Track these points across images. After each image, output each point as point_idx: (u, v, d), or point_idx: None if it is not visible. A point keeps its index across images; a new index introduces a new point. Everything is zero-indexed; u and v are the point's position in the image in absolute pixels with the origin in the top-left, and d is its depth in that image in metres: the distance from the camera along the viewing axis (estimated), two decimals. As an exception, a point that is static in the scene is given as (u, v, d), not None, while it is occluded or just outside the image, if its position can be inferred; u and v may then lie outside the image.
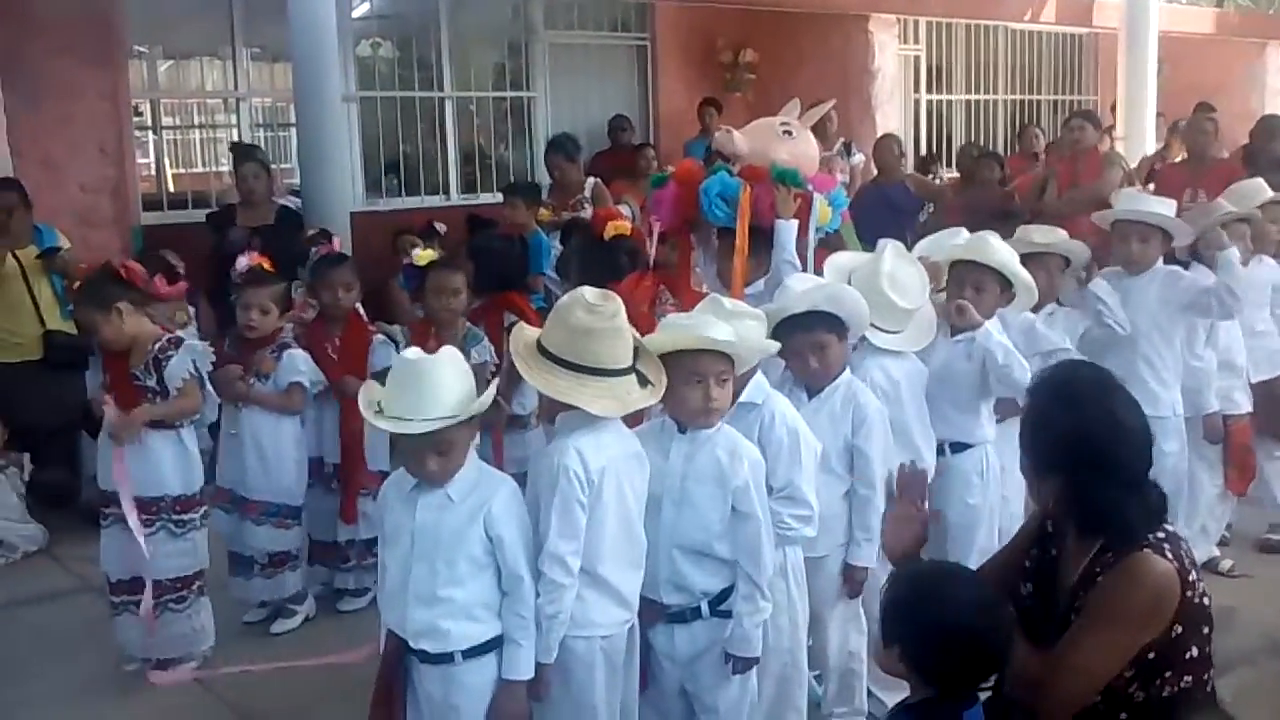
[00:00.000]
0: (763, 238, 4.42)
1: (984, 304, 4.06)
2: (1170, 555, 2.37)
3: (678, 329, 3.14)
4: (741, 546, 3.06)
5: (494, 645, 2.87)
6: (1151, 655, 2.37)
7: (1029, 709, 2.40)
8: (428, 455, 2.82)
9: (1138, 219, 4.70)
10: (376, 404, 2.83)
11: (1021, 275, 4.09)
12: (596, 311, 2.93)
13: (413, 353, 2.90)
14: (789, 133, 4.64)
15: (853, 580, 3.67)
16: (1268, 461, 5.42)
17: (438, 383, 2.78)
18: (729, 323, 3.10)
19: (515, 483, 2.97)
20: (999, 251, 4.09)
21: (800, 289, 3.67)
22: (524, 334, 3.05)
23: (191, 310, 6.34)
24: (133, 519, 4.23)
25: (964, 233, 4.50)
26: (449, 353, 2.92)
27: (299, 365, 4.70)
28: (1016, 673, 2.34)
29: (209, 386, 4.43)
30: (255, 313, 4.68)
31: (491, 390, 2.91)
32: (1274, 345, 5.39)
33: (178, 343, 4.34)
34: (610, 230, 4.51)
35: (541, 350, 2.97)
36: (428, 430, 2.76)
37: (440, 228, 7.96)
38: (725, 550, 3.08)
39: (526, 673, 2.86)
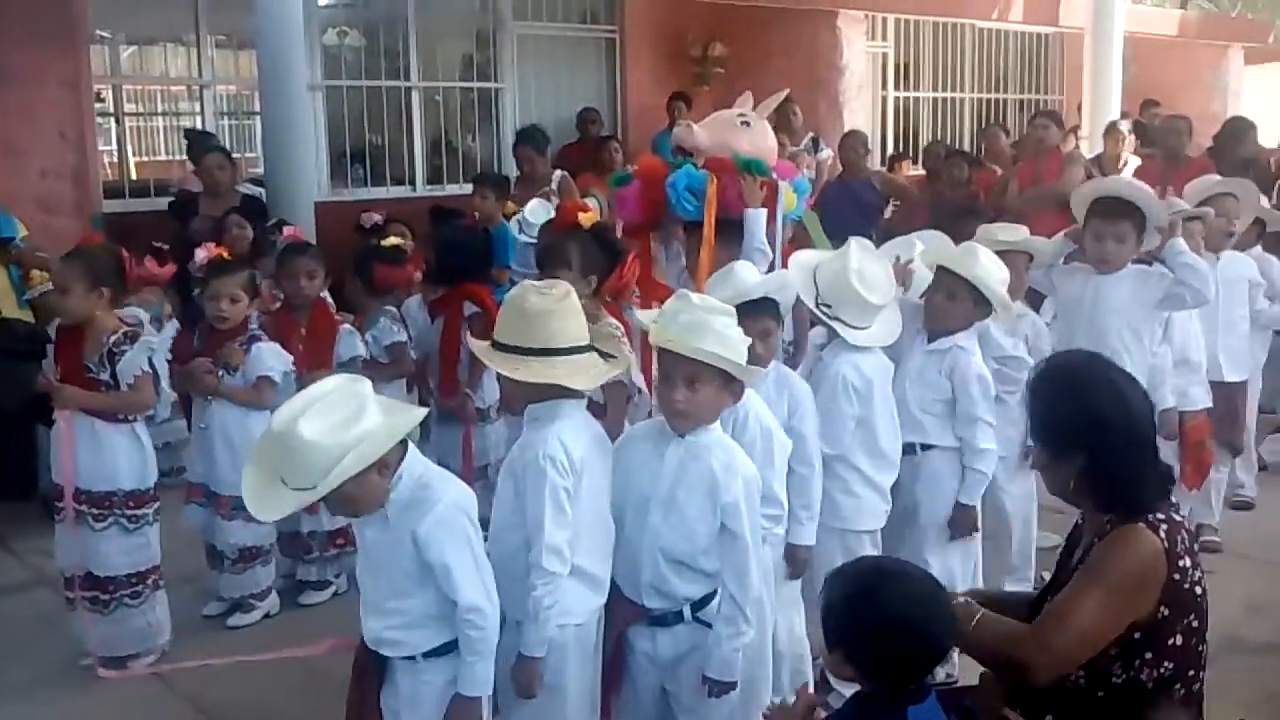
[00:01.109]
0: (730, 228, 4.41)
1: (954, 313, 4.10)
2: (1163, 535, 2.41)
3: (665, 329, 3.06)
4: (728, 566, 2.98)
5: (452, 647, 2.82)
6: (1136, 635, 2.41)
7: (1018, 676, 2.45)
8: (336, 509, 2.78)
9: (1114, 194, 4.68)
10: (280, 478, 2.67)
11: (998, 295, 4.05)
12: (548, 294, 2.96)
13: (277, 419, 2.66)
14: (747, 124, 4.66)
15: (795, 560, 3.67)
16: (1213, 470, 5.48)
17: (297, 450, 2.58)
18: (719, 324, 2.99)
19: (458, 494, 2.82)
20: (982, 269, 4.06)
21: (752, 277, 3.69)
22: (477, 342, 3.04)
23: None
24: (68, 509, 4.19)
25: (944, 239, 4.52)
26: (314, 402, 2.65)
27: (267, 359, 4.64)
28: (1006, 639, 2.42)
29: (164, 383, 4.37)
30: (225, 302, 4.62)
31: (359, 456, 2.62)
32: (1241, 345, 5.45)
33: (133, 337, 4.28)
34: (587, 220, 4.49)
35: (500, 346, 2.94)
36: (309, 502, 2.65)
37: (372, 219, 7.60)
38: (708, 564, 3.01)
39: (485, 688, 2.80)
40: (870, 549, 3.95)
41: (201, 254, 4.88)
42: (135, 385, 4.23)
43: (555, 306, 2.94)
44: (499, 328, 3.00)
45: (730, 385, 3.00)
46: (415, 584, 2.75)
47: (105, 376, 4.22)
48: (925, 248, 4.42)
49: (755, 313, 3.53)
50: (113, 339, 4.23)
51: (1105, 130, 10.63)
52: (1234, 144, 8.25)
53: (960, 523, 4.09)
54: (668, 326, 3.00)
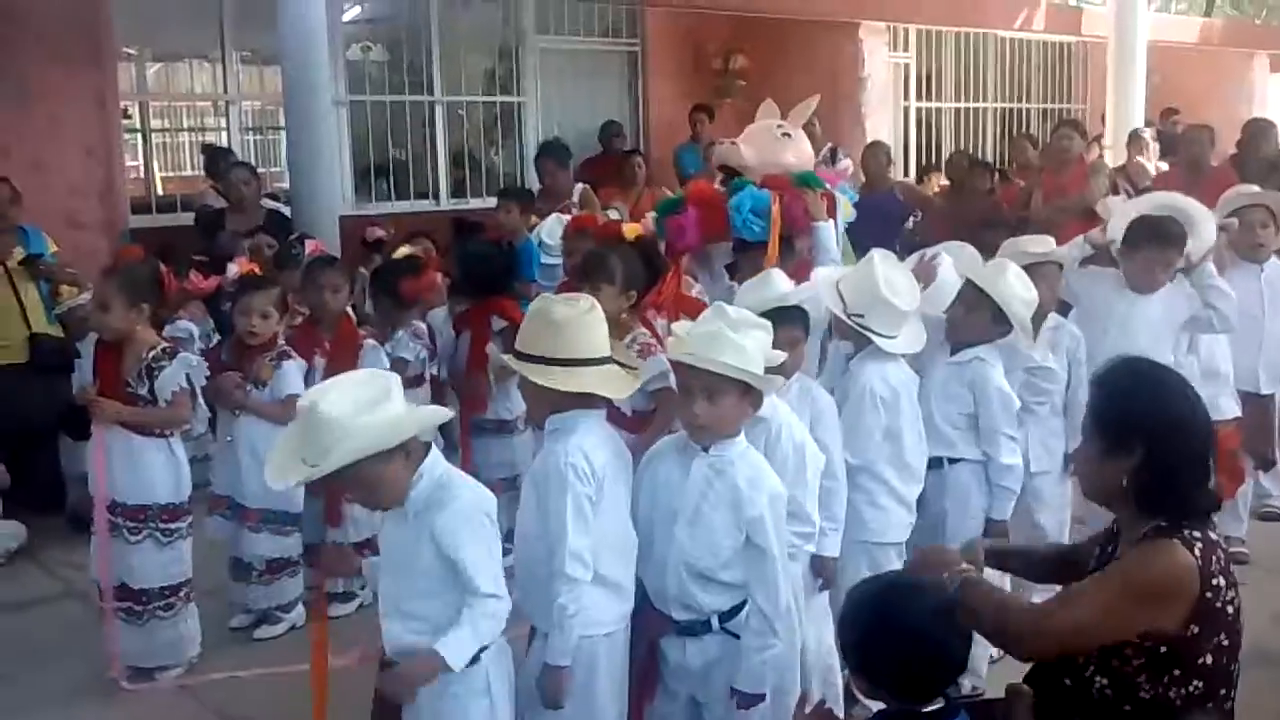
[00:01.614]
0: (784, 245, 4.41)
1: (969, 325, 4.09)
2: (1198, 553, 2.39)
3: (681, 343, 3.09)
4: (756, 580, 2.98)
5: (478, 657, 2.83)
6: (1163, 650, 2.38)
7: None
8: (358, 495, 2.79)
9: (1174, 209, 4.67)
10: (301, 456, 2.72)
11: (1018, 315, 4.02)
12: (574, 305, 3.02)
13: (305, 398, 2.77)
14: (787, 135, 4.65)
15: (824, 571, 3.68)
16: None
17: (316, 426, 2.65)
18: (743, 335, 3.01)
19: (477, 494, 2.85)
20: (1006, 286, 4.03)
21: (786, 285, 3.70)
22: (494, 352, 3.07)
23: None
24: (100, 521, 4.24)
25: (970, 251, 4.51)
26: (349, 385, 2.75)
27: (295, 376, 4.67)
28: (1001, 606, 2.46)
29: (200, 399, 4.41)
30: (256, 318, 4.66)
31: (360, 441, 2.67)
32: (1267, 358, 5.40)
33: (172, 353, 4.33)
34: (631, 233, 4.50)
35: (525, 356, 2.97)
36: (323, 475, 2.67)
37: (375, 233, 7.63)
38: (731, 577, 3.01)
39: (456, 661, 2.73)
40: (896, 562, 3.93)
41: (234, 269, 4.92)
42: (173, 401, 4.28)
43: (583, 317, 2.99)
44: (523, 338, 3.03)
45: (750, 396, 3.01)
46: (436, 584, 2.76)
47: (144, 392, 4.27)
48: (954, 259, 4.41)
49: (785, 321, 3.55)
50: (151, 354, 4.28)
51: (1129, 139, 10.59)
52: (1257, 145, 8.22)
53: (994, 538, 4.04)
54: (683, 340, 3.03)
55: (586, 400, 2.97)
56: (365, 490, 2.78)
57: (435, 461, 2.81)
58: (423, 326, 5.22)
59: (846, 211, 4.67)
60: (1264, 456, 5.51)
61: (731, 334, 2.96)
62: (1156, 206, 4.83)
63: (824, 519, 3.61)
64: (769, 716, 3.16)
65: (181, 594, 4.41)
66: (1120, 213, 4.78)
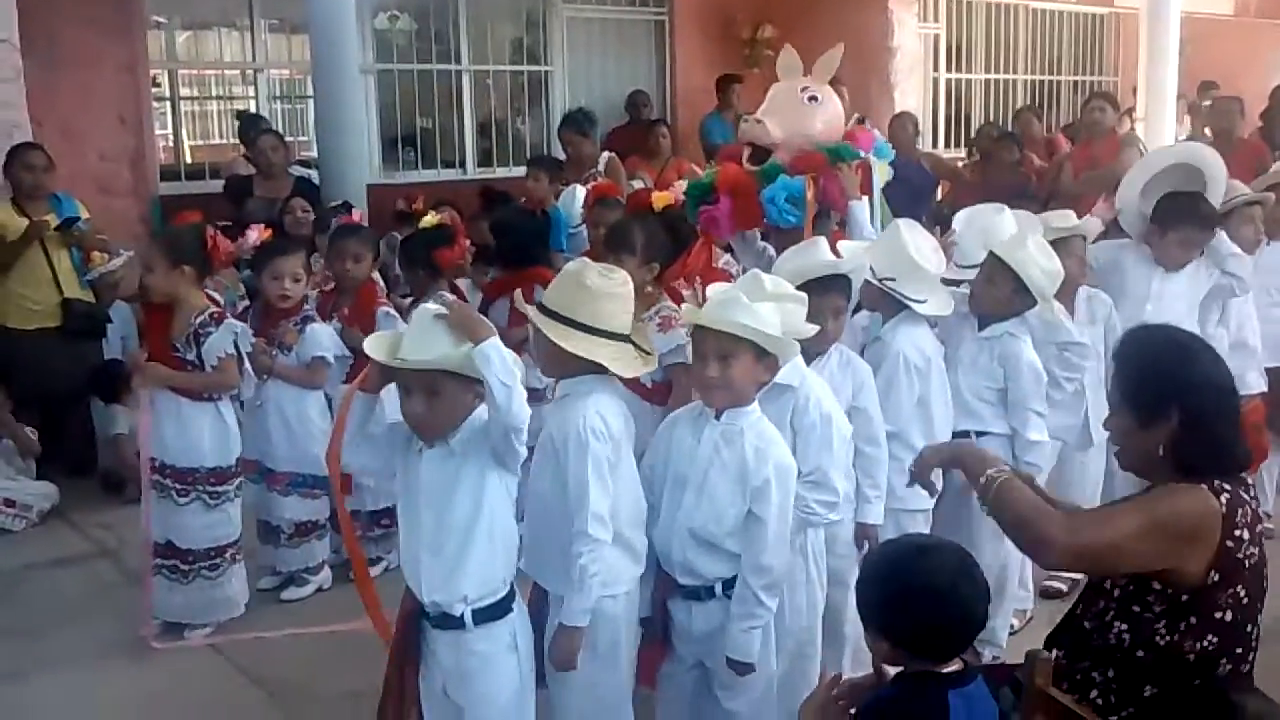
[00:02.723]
0: (818, 218, 4.38)
1: (990, 297, 4.06)
2: (1223, 502, 2.41)
3: (695, 311, 3.12)
4: (746, 548, 3.00)
5: (502, 610, 2.87)
6: (1184, 597, 2.41)
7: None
8: (414, 397, 2.81)
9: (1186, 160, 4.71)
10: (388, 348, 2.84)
11: (1038, 283, 3.95)
12: (610, 276, 3.03)
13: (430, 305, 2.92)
14: (814, 98, 4.50)
15: (869, 538, 3.69)
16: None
17: (427, 329, 2.77)
18: (759, 301, 3.02)
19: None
20: (1026, 254, 3.97)
21: (829, 254, 3.71)
22: (520, 301, 3.13)
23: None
24: (145, 479, 4.32)
25: (1006, 213, 4.46)
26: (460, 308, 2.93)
27: (322, 339, 4.71)
28: (1037, 508, 2.48)
29: (247, 365, 4.45)
30: (288, 280, 4.70)
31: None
32: None
33: (220, 319, 4.38)
34: (659, 202, 4.46)
35: (549, 312, 2.99)
36: (411, 367, 2.75)
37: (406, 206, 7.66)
38: (735, 545, 3.04)
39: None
40: (924, 528, 3.95)
41: (253, 235, 4.95)
42: (220, 366, 4.35)
43: (616, 290, 3.02)
44: (551, 295, 3.04)
45: (765, 361, 3.03)
46: (470, 521, 2.81)
47: (191, 357, 4.34)
48: (980, 227, 4.38)
49: (828, 290, 3.59)
50: (199, 320, 4.34)
51: (1189, 109, 10.46)
52: None
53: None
54: (700, 308, 3.06)
55: (600, 367, 2.99)
56: (428, 407, 2.79)
57: (482, 412, 2.84)
58: (450, 297, 5.22)
59: (883, 173, 4.59)
60: None
61: (745, 298, 2.99)
62: (1173, 158, 4.80)
63: (867, 486, 3.66)
64: (784, 685, 3.19)
65: (228, 555, 4.50)
66: (1128, 182, 4.75)
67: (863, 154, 4.46)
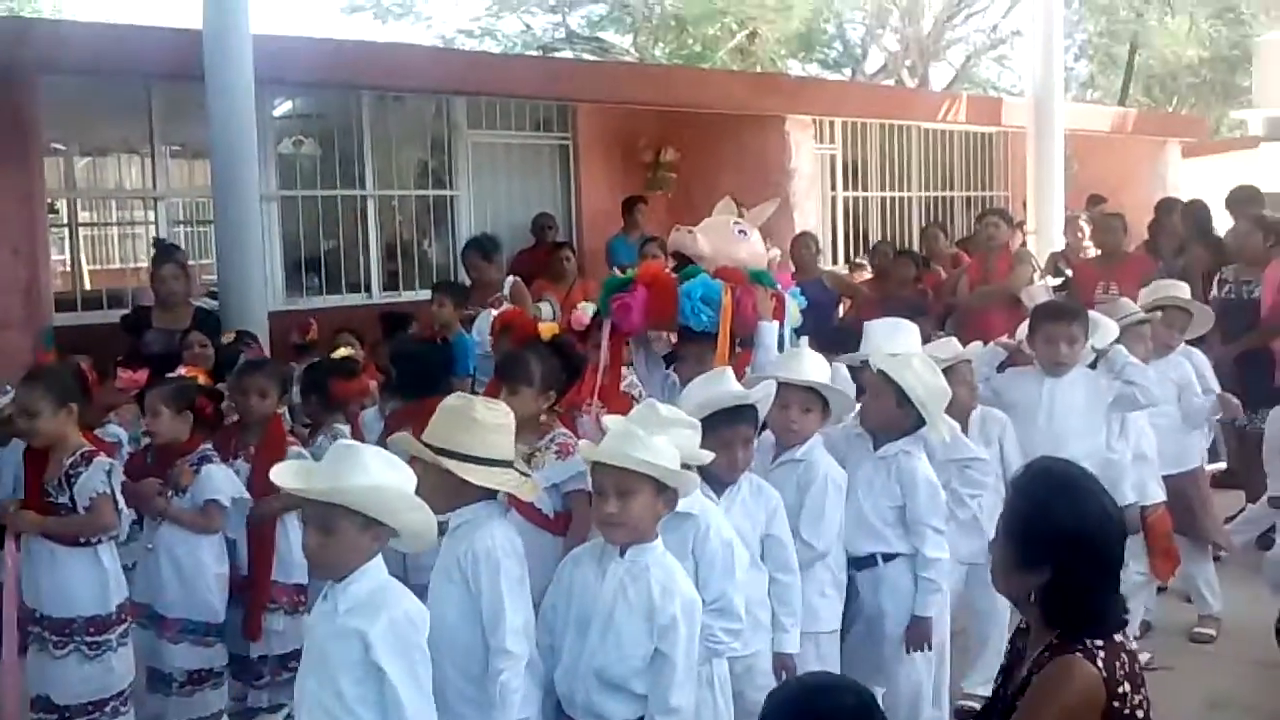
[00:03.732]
0: (729, 340, 4.43)
1: (875, 411, 4.15)
2: (1101, 664, 2.42)
3: (591, 447, 3.14)
4: (653, 687, 2.98)
5: None
6: None
7: None
8: (308, 530, 2.78)
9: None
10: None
11: (923, 402, 4.02)
12: (495, 408, 3.17)
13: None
14: (743, 232, 4.68)
15: (786, 669, 3.66)
16: (1189, 561, 5.52)
17: (345, 459, 2.75)
18: (663, 432, 3.05)
19: (412, 607, 2.81)
20: (912, 374, 4.05)
21: (736, 384, 3.73)
22: (408, 440, 3.12)
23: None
24: (9, 634, 4.13)
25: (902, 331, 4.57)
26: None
27: (218, 481, 4.55)
28: None
29: (123, 504, 4.30)
30: (149, 417, 4.58)
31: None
32: (1181, 441, 5.51)
33: (89, 458, 4.23)
34: (547, 332, 4.49)
35: (443, 450, 3.02)
36: (310, 497, 2.71)
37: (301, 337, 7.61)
38: (642, 686, 3.00)
39: None
40: (836, 649, 3.97)
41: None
42: (93, 507, 4.17)
43: (503, 421, 3.12)
44: (439, 432, 3.08)
45: (664, 494, 3.04)
46: (357, 687, 2.70)
47: (64, 500, 4.17)
48: (869, 348, 4.46)
49: (737, 420, 3.62)
50: (69, 461, 4.19)
51: (1066, 224, 10.91)
52: (1164, 222, 8.82)
53: (916, 635, 4.03)
54: (595, 443, 3.11)
55: (490, 494, 3.06)
56: (320, 542, 2.74)
57: (380, 566, 2.79)
58: (345, 430, 5.14)
59: (794, 316, 4.70)
60: (1197, 534, 5.55)
61: (642, 431, 3.00)
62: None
63: (783, 615, 3.67)
64: None
65: (108, 708, 4.25)
66: (1027, 325, 4.93)
67: (779, 286, 4.59)
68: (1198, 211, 8.74)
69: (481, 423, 3.06)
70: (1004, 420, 4.80)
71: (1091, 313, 5.05)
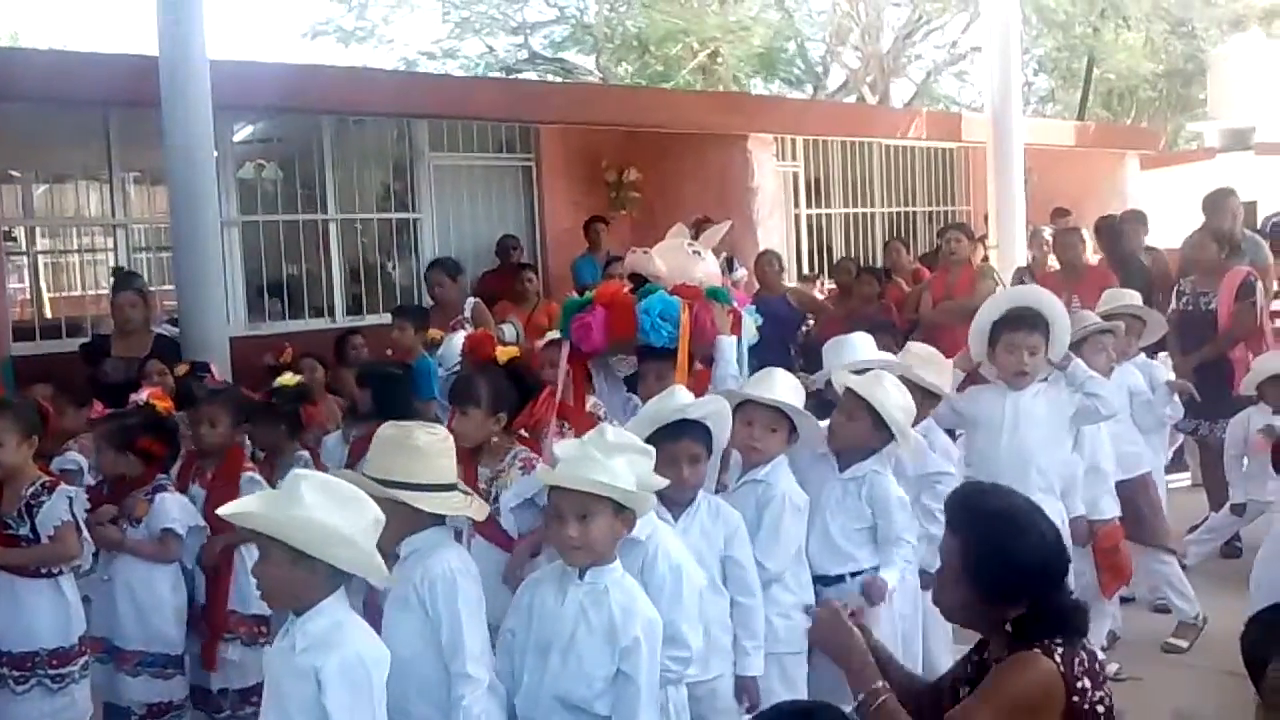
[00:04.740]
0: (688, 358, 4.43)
1: (850, 432, 4.13)
2: (1059, 659, 2.45)
3: (553, 470, 3.11)
4: (617, 711, 2.96)
5: None
6: None
7: None
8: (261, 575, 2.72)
9: (1026, 305, 4.82)
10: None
11: (897, 420, 4.04)
12: (435, 433, 3.19)
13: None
14: (697, 253, 4.71)
15: (748, 692, 3.64)
16: (1156, 564, 5.56)
17: (301, 493, 2.66)
18: (612, 457, 3.02)
19: (371, 648, 2.74)
20: (884, 392, 4.07)
21: (686, 398, 3.71)
22: (355, 477, 3.06)
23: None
24: None
25: (856, 345, 4.60)
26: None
27: (171, 510, 4.48)
28: None
29: (86, 533, 4.24)
30: (205, 427, 4.61)
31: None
32: (1129, 448, 5.53)
33: (51, 487, 4.18)
34: (504, 355, 4.49)
35: (391, 482, 3.01)
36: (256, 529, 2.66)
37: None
38: (604, 708, 2.98)
39: None
40: (803, 669, 3.93)
41: (137, 398, 4.77)
42: (56, 536, 4.12)
43: (445, 445, 3.15)
44: (382, 464, 3.07)
45: (623, 515, 3.02)
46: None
47: (25, 531, 4.12)
48: (834, 368, 4.47)
49: (686, 436, 3.59)
50: (29, 490, 4.13)
51: (1030, 238, 11.00)
52: (1118, 241, 8.85)
53: (873, 590, 3.96)
54: (552, 467, 3.10)
55: (439, 520, 3.08)
56: (261, 569, 2.71)
57: (340, 604, 2.72)
58: (305, 455, 5.10)
59: (751, 333, 4.71)
60: (1151, 540, 5.56)
61: (598, 453, 2.99)
62: (1010, 303, 4.94)
63: (744, 638, 3.64)
64: None
65: (74, 744, 4.17)
66: (975, 334, 4.89)
67: (736, 304, 4.60)
68: (1109, 227, 9.01)
69: (425, 450, 3.07)
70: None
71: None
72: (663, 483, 3.21)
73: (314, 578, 2.65)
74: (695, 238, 4.89)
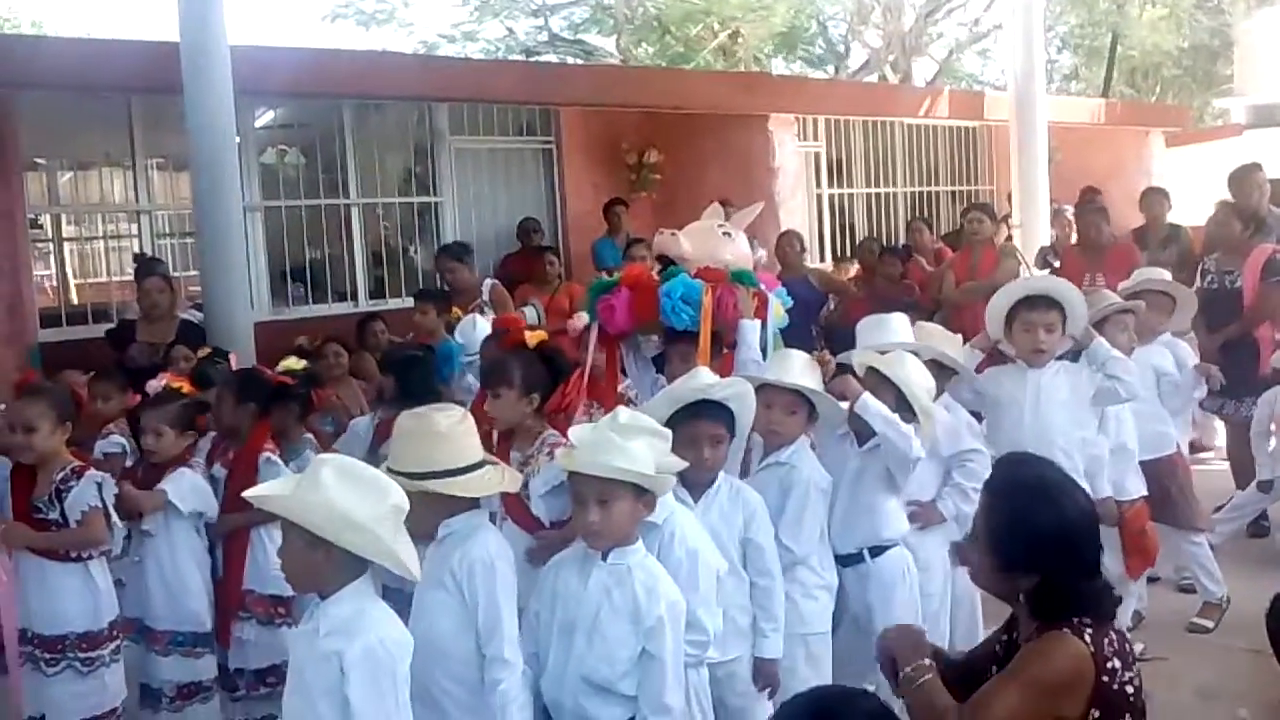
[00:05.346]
0: (715, 340, 4.44)
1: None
2: (1089, 639, 2.45)
3: (569, 455, 3.12)
4: (644, 689, 2.97)
5: None
6: None
7: None
8: (286, 558, 2.73)
9: (1040, 293, 4.79)
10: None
11: (920, 399, 4.06)
12: (451, 414, 3.14)
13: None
14: (728, 234, 4.71)
15: (766, 674, 3.65)
16: (1186, 544, 5.54)
17: (321, 478, 2.65)
18: (630, 440, 3.02)
19: (396, 634, 2.74)
20: (907, 372, 4.10)
21: (710, 378, 3.72)
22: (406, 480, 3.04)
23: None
24: (12, 651, 4.09)
25: (893, 326, 4.61)
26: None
27: (182, 488, 4.49)
28: (937, 710, 2.50)
29: (115, 517, 4.28)
30: (150, 437, 4.56)
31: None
32: (1157, 427, 5.50)
33: (80, 472, 4.22)
34: (534, 340, 4.50)
35: (421, 474, 2.99)
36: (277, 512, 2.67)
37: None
38: (628, 688, 3.00)
39: None
40: (828, 649, 3.95)
41: (154, 384, 4.81)
42: (85, 521, 4.16)
43: (465, 425, 3.11)
44: (409, 453, 3.05)
45: (644, 498, 3.04)
46: (334, 711, 2.65)
47: (55, 515, 4.16)
48: (860, 347, 4.47)
49: (708, 417, 3.59)
50: (60, 475, 4.17)
51: (1053, 217, 10.94)
52: (1152, 212, 8.84)
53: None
54: (571, 451, 3.08)
55: (474, 503, 3.07)
56: (282, 550, 2.73)
57: (365, 589, 2.72)
58: (311, 438, 5.13)
59: (778, 315, 4.70)
60: (1178, 520, 5.53)
61: (616, 437, 2.99)
62: (1026, 291, 4.90)
63: (763, 620, 3.64)
64: None
65: (104, 726, 4.22)
66: (992, 317, 4.86)
67: (763, 286, 4.59)
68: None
69: (447, 434, 3.05)
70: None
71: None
72: (681, 464, 3.22)
73: (330, 562, 2.64)
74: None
